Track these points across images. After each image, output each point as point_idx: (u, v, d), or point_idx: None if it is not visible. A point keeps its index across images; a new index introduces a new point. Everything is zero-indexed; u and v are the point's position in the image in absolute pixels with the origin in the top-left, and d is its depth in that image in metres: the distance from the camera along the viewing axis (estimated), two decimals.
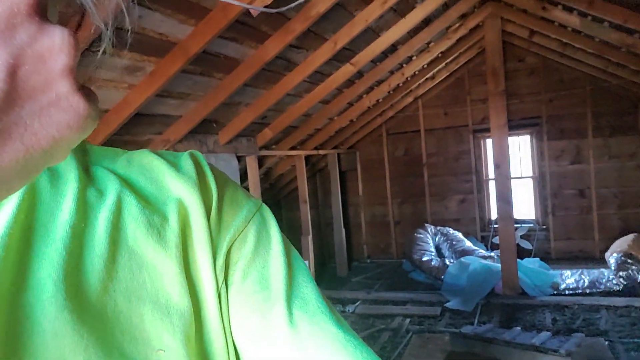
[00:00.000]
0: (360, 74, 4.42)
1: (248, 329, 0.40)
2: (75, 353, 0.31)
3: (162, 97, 2.75)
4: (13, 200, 0.34)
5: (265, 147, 4.47)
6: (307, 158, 5.72)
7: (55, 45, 0.22)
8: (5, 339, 0.30)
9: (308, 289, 0.43)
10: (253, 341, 0.40)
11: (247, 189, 4.16)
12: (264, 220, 0.46)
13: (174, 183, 0.41)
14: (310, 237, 5.36)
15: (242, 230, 0.43)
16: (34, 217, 0.34)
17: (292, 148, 5.10)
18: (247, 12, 2.35)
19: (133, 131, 2.85)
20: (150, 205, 0.39)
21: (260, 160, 4.68)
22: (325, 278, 6.14)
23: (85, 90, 0.23)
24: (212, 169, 0.45)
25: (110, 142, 2.65)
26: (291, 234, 6.32)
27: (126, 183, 0.40)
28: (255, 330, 0.40)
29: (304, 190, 5.29)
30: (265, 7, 2.27)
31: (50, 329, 0.31)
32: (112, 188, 0.39)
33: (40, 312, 0.31)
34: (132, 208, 0.38)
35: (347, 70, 3.94)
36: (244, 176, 4.13)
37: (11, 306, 0.31)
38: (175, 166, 0.43)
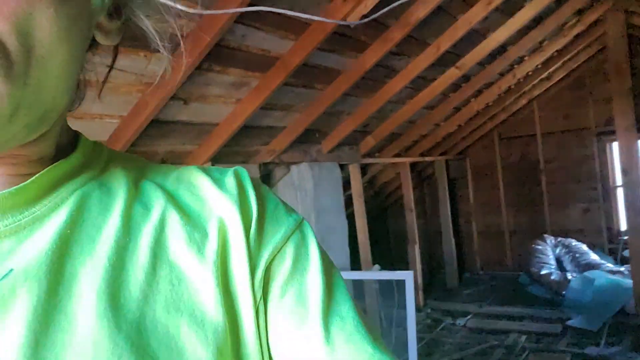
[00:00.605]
0: (466, 78, 4.28)
1: (285, 346, 0.41)
2: None
3: (267, 109, 2.89)
4: (61, 216, 0.37)
5: (368, 154, 4.49)
6: (413, 165, 5.63)
7: None
8: (45, 345, 0.32)
9: (346, 307, 0.43)
10: (290, 358, 0.41)
11: (350, 198, 4.20)
12: (304, 237, 0.46)
13: (216, 200, 0.43)
14: (417, 247, 5.26)
15: (281, 247, 0.43)
16: (81, 230, 0.37)
17: (397, 155, 5.06)
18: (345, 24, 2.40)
19: (242, 143, 3.03)
20: (193, 222, 0.41)
21: (364, 168, 4.70)
22: (435, 289, 5.98)
23: None
24: (255, 185, 0.47)
25: (220, 154, 2.85)
26: (398, 243, 6.25)
27: (172, 199, 0.42)
28: (292, 347, 0.41)
29: (410, 198, 5.22)
30: (362, 16, 2.30)
31: (89, 337, 0.33)
32: (157, 204, 0.41)
33: (82, 320, 0.33)
34: (174, 224, 0.40)
35: (452, 74, 3.84)
36: (347, 184, 4.18)
37: (54, 314, 0.33)
38: (219, 183, 0.45)
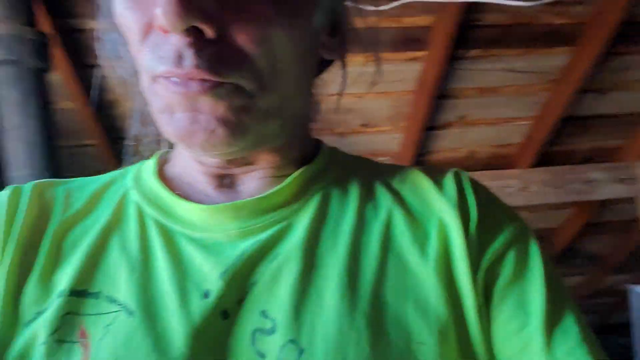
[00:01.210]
0: None
1: (506, 353, 0.42)
2: (350, 330, 0.39)
3: None
4: (310, 212, 0.45)
5: None
6: None
7: None
8: (303, 310, 0.40)
9: (570, 320, 0.42)
10: None
11: None
12: (526, 244, 0.46)
13: (437, 202, 0.46)
14: None
15: (502, 253, 0.44)
16: (325, 225, 0.45)
17: None
18: None
19: None
20: (416, 221, 0.45)
21: None
22: None
23: None
24: (475, 189, 0.48)
25: None
26: None
27: (398, 199, 0.47)
28: (512, 351, 0.42)
29: None
30: None
31: (333, 309, 0.40)
32: (385, 204, 0.47)
33: (328, 296, 0.40)
34: (399, 223, 0.45)
35: None
36: None
37: (307, 288, 0.41)
38: (439, 185, 0.47)
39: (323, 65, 0.51)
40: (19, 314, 0.40)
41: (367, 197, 0.47)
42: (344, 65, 0.52)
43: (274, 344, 0.38)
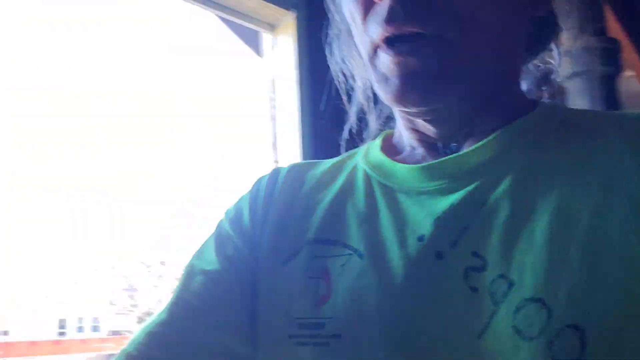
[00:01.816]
0: None
1: None
2: (561, 264, 0.39)
3: None
4: (519, 160, 0.45)
5: None
6: None
7: None
8: (512, 248, 0.41)
9: None
10: None
11: None
12: None
13: None
14: None
15: None
16: (536, 172, 0.45)
17: None
18: None
19: None
20: None
21: None
22: None
23: None
24: None
25: None
26: None
27: (631, 141, 0.44)
28: None
29: None
30: None
31: (545, 247, 0.40)
32: (611, 147, 0.44)
33: (539, 236, 0.41)
34: (631, 164, 0.42)
35: None
36: None
37: (517, 231, 0.42)
38: None
39: (541, 30, 0.52)
40: (275, 256, 0.52)
41: (589, 143, 0.46)
42: (553, 24, 0.53)
43: (484, 279, 0.41)
